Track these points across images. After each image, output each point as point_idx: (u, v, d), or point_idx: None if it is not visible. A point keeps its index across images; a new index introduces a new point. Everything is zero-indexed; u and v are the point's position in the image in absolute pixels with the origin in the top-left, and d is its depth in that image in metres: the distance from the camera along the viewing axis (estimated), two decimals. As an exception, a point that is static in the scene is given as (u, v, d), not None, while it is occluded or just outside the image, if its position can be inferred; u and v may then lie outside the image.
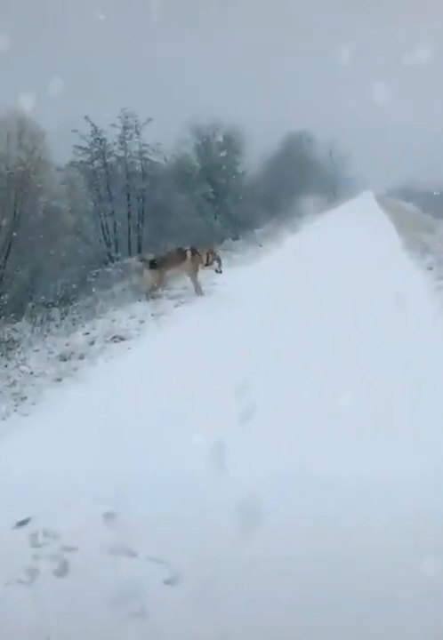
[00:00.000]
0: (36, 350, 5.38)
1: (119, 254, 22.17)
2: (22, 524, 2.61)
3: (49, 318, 6.92)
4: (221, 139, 33.47)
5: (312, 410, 3.72)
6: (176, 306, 7.17)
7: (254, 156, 36.31)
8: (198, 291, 7.74)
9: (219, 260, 8.13)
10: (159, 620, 2.13)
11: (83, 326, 6.25)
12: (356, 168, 44.99)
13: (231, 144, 33.36)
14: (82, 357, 5.08)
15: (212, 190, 30.97)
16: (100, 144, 26.17)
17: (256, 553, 2.43)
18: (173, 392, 4.10)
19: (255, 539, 2.50)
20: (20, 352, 5.23)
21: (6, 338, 5.86)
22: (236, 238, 15.83)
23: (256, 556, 2.41)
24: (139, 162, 27.14)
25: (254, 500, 2.70)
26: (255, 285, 8.25)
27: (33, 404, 4.10)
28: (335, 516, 2.62)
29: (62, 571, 2.34)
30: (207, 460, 3.07)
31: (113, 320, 6.33)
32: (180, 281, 8.31)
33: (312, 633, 2.07)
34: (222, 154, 32.31)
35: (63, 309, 7.53)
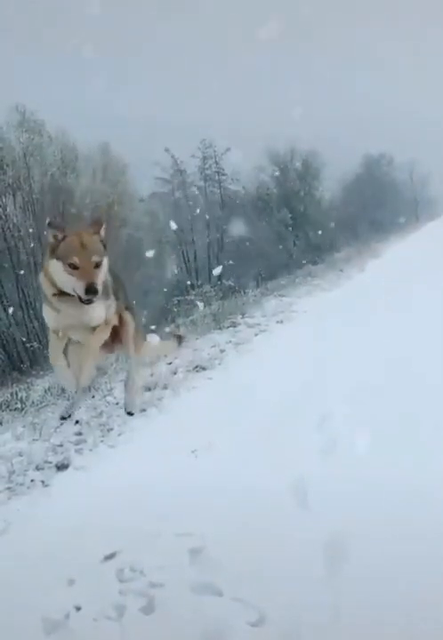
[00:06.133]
0: (122, 380, 5.49)
1: (200, 282, 22.56)
2: (109, 557, 2.64)
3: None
4: (298, 164, 33.58)
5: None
6: (256, 334, 7.15)
7: (333, 181, 36.14)
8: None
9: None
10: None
11: (165, 356, 6.34)
12: (437, 189, 43.56)
13: (309, 169, 33.39)
14: (165, 387, 5.14)
15: (290, 216, 30.99)
16: (181, 175, 26.94)
17: (343, 595, 2.34)
18: (256, 423, 4.05)
19: (342, 580, 2.41)
20: (106, 382, 5.36)
21: (94, 367, 6.04)
22: (315, 263, 15.72)
23: (343, 598, 2.32)
24: (218, 191, 27.71)
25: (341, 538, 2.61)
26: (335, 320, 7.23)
27: (119, 435, 4.17)
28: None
29: (149, 608, 2.34)
30: (291, 496, 3.01)
31: (194, 349, 6.39)
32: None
33: None
34: (300, 180, 32.39)
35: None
